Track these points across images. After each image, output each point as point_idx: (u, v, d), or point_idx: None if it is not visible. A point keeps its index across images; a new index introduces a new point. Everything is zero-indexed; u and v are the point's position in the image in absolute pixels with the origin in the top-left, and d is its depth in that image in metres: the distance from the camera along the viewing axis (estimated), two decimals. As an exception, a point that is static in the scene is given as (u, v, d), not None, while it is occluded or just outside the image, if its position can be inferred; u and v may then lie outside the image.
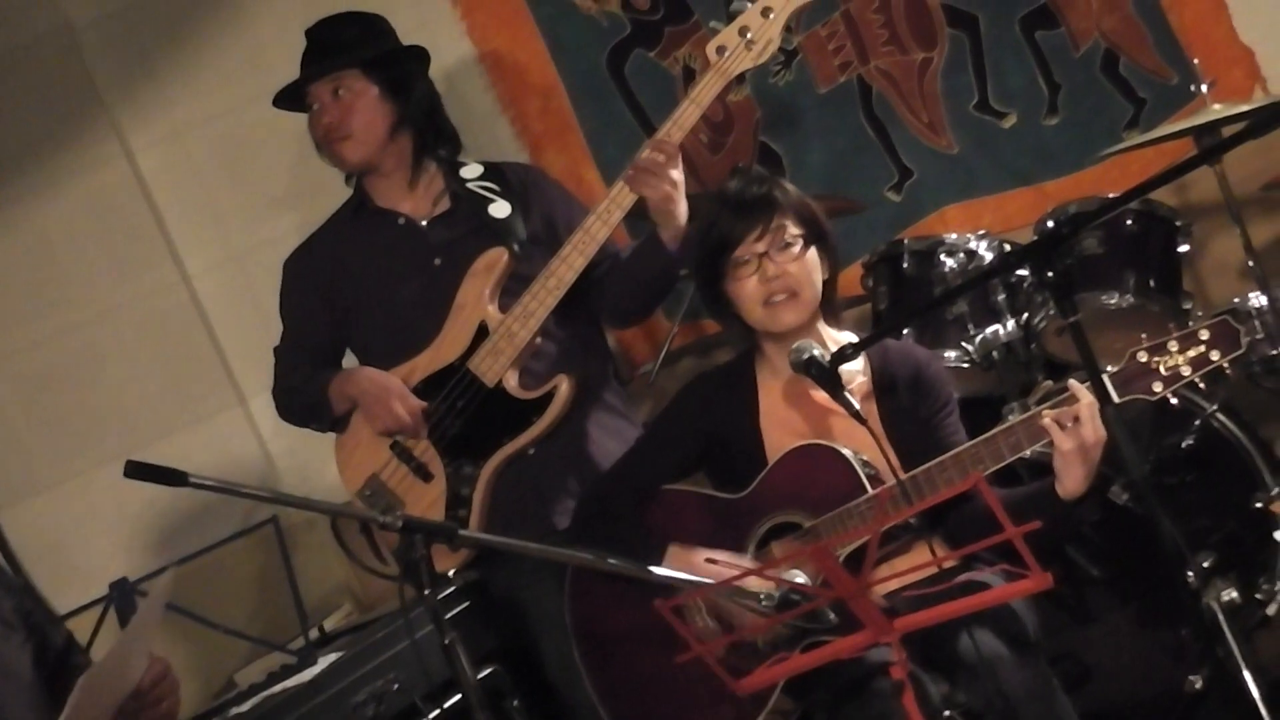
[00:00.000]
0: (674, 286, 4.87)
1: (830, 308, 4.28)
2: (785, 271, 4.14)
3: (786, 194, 4.21)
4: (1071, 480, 3.80)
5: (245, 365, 5.88)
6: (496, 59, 6.01)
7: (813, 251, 4.18)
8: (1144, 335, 3.82)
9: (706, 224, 4.27)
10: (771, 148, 6.04)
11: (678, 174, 4.53)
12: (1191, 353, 3.75)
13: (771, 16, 4.52)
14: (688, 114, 4.56)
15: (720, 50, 4.55)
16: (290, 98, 4.89)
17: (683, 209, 4.55)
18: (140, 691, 3.42)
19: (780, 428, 4.21)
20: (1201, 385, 3.83)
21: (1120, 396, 3.75)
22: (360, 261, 4.87)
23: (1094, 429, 3.74)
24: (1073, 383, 3.82)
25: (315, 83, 4.81)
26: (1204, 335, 3.75)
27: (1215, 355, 3.74)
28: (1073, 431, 3.75)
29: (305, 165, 4.91)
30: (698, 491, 4.27)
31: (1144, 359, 3.78)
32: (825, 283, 4.24)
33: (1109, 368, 3.77)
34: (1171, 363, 3.76)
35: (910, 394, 4.19)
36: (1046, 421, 3.78)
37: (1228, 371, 3.83)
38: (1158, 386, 3.77)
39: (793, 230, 4.16)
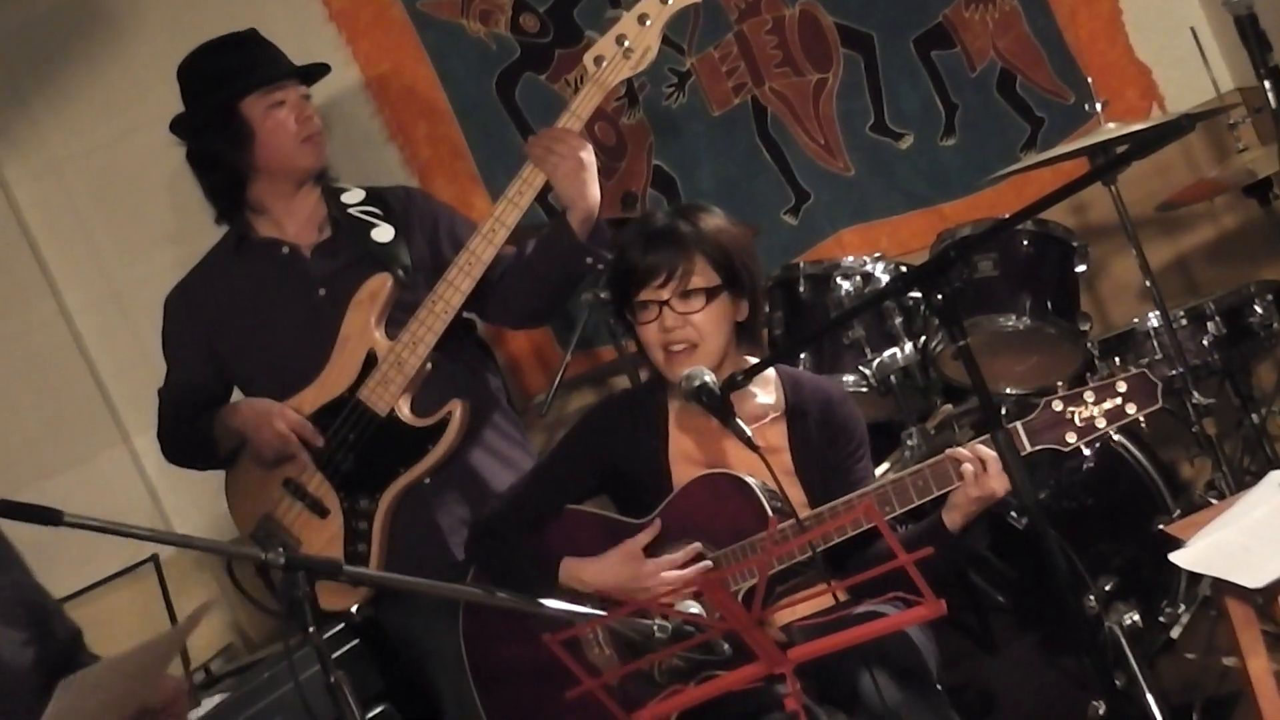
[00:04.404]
0: (580, 281, 4.74)
1: (751, 339, 4.18)
2: (686, 323, 4.02)
3: (700, 232, 4.06)
4: (961, 516, 3.78)
5: (128, 402, 5.78)
6: (383, 84, 5.94)
7: (723, 299, 4.06)
8: (1060, 383, 3.78)
9: (619, 248, 4.16)
10: (666, 171, 5.99)
11: (588, 155, 4.44)
12: (1107, 404, 3.71)
13: (649, 23, 4.41)
14: (568, 126, 4.46)
15: (598, 60, 4.44)
16: (248, 83, 4.61)
17: (594, 190, 4.45)
18: (150, 710, 3.38)
19: (688, 456, 4.12)
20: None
21: (1032, 445, 3.74)
22: (243, 296, 4.73)
23: (1001, 484, 3.70)
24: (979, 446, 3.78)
25: (294, 83, 4.67)
26: (1121, 387, 3.71)
27: (1131, 409, 3.70)
28: (983, 480, 3.72)
29: (187, 198, 4.79)
30: (599, 514, 4.17)
31: (1059, 408, 3.74)
32: (748, 317, 4.12)
33: (1007, 390, 3.73)
34: (1087, 413, 3.72)
35: (821, 431, 4.11)
36: (965, 468, 3.73)
37: (1143, 425, 3.80)
38: (1071, 437, 3.73)
39: (699, 279, 4.03)
